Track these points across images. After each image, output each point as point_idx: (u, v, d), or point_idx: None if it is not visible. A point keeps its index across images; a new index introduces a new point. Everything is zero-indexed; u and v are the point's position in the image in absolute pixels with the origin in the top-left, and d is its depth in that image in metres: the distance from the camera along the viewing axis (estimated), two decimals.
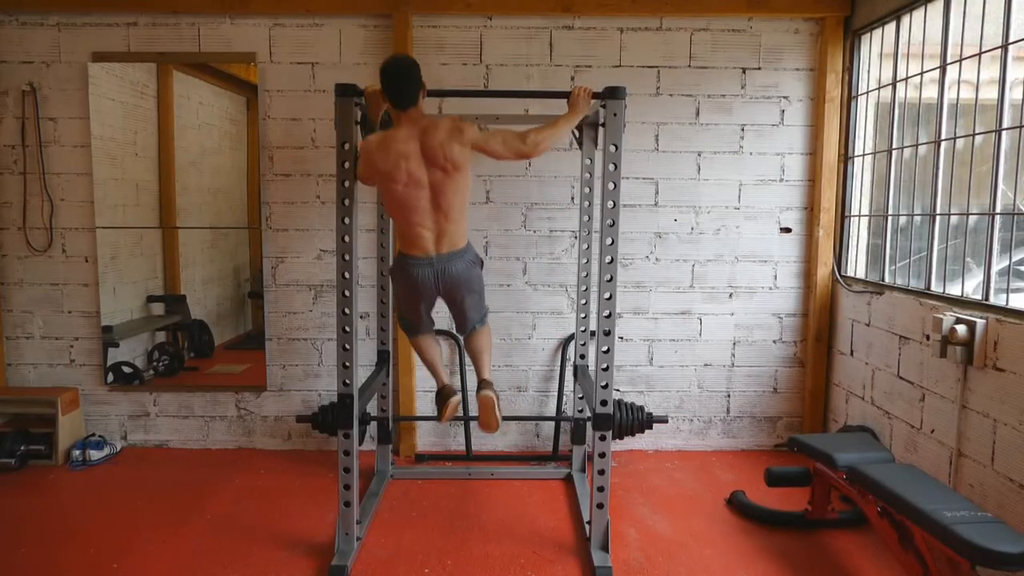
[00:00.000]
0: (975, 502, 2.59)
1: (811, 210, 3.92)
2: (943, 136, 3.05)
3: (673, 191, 3.91)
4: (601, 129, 2.76)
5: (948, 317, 2.80)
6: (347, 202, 2.67)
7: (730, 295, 3.99)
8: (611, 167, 2.63)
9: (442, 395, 2.93)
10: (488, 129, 2.71)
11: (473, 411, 3.96)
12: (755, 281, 3.98)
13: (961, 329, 2.71)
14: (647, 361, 4.03)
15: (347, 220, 2.67)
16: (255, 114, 3.84)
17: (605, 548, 2.76)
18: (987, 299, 2.75)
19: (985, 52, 2.80)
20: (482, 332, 2.92)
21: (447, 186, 2.61)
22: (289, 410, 4.01)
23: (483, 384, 2.86)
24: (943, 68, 3.07)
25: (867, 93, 3.69)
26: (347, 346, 2.74)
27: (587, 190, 3.41)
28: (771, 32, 3.81)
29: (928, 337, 3.03)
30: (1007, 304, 2.65)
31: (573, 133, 3.17)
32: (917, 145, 3.28)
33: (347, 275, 2.69)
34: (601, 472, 2.74)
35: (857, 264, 3.81)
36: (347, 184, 2.65)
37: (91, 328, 3.96)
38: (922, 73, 3.21)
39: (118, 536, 2.98)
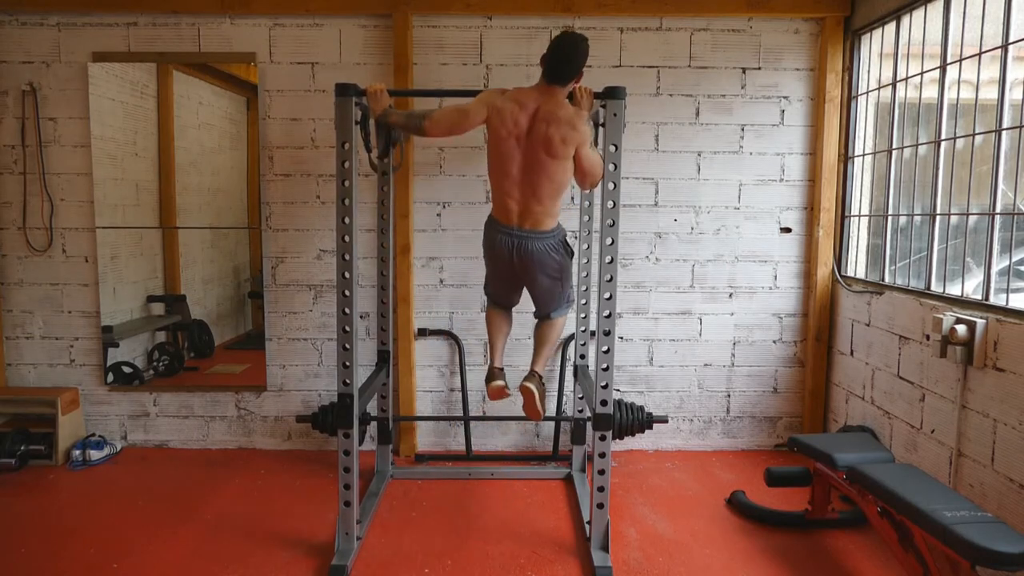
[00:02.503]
0: (975, 502, 2.59)
1: (811, 210, 3.92)
2: (943, 136, 3.05)
3: (673, 191, 3.91)
4: (601, 129, 2.76)
5: (948, 317, 2.80)
6: (347, 202, 2.66)
7: (730, 295, 3.99)
8: (611, 167, 2.63)
9: (488, 376, 2.95)
10: (596, 150, 2.71)
11: (473, 401, 3.97)
12: (755, 281, 3.98)
13: (961, 329, 2.71)
14: (647, 361, 4.03)
15: (347, 220, 2.67)
16: (255, 114, 3.84)
17: (605, 548, 2.76)
18: (987, 299, 2.75)
19: (985, 52, 2.80)
20: (551, 325, 2.93)
21: (541, 168, 2.65)
22: (289, 410, 4.01)
23: (529, 375, 2.88)
24: (943, 68, 3.07)
25: (867, 93, 3.69)
26: (347, 346, 2.74)
27: (587, 190, 3.41)
28: (771, 32, 3.81)
29: (928, 337, 3.03)
30: (1007, 304, 2.65)
31: None
32: (917, 145, 3.28)
33: (347, 275, 2.69)
34: (601, 472, 2.74)
35: (857, 264, 3.81)
36: (347, 184, 2.65)
37: (91, 328, 3.96)
38: (922, 73, 3.21)
39: (118, 536, 2.98)
